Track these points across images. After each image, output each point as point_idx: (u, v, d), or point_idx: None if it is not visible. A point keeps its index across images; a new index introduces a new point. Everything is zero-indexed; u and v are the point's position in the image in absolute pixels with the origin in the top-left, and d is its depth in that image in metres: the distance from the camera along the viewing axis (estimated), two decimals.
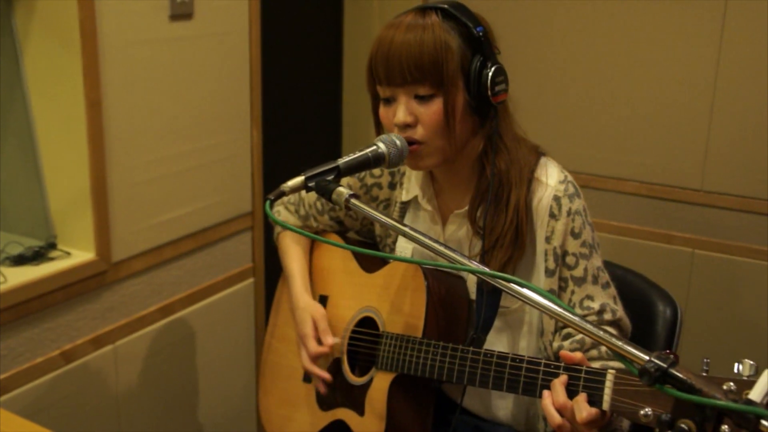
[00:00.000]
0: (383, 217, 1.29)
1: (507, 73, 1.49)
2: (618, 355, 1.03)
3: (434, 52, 1.42)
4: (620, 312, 1.54)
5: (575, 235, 1.52)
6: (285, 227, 1.34)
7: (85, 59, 1.87)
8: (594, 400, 1.25)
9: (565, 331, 1.52)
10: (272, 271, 2.45)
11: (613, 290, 1.56)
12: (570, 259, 1.52)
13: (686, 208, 2.79)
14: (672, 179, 2.79)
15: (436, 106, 1.45)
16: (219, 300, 2.42)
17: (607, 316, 1.51)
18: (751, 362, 1.00)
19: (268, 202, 1.31)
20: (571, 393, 1.28)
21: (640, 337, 1.72)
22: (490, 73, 1.45)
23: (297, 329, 1.76)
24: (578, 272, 1.51)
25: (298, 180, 1.34)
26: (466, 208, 1.58)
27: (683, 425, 0.96)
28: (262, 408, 1.93)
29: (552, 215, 1.52)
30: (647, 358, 0.99)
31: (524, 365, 1.38)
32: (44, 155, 2.00)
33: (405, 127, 1.47)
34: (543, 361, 1.36)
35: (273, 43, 2.68)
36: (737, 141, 2.65)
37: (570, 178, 1.56)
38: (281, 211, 1.90)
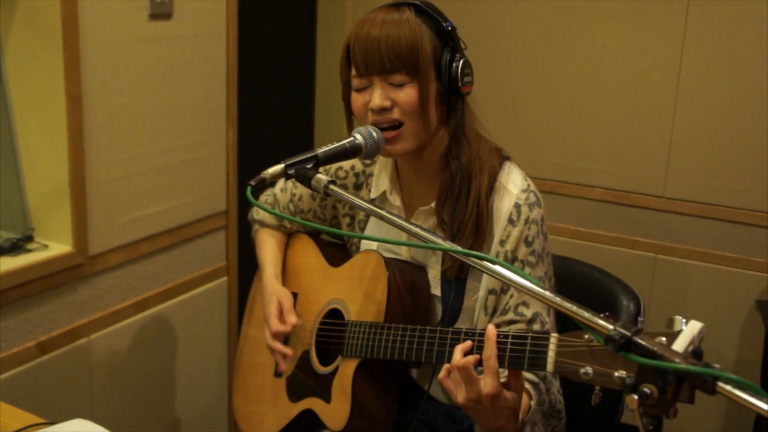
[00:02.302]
0: (360, 201, 1.35)
1: (472, 66, 1.57)
2: (585, 325, 1.09)
3: (411, 42, 1.50)
4: (549, 324, 1.59)
5: (528, 243, 1.58)
6: (263, 209, 1.39)
7: (66, 55, 1.91)
8: (538, 363, 1.30)
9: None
10: (246, 269, 2.49)
11: None
12: (517, 265, 1.57)
13: (649, 214, 2.86)
14: (635, 186, 2.86)
15: (410, 90, 1.52)
16: (193, 297, 2.45)
17: (536, 326, 1.56)
18: (682, 319, 1.07)
19: (249, 188, 1.35)
20: (517, 358, 1.33)
21: None
22: (460, 65, 1.53)
23: (264, 311, 1.81)
24: None
25: (278, 167, 1.39)
26: (431, 204, 1.64)
27: (646, 389, 1.01)
28: (236, 407, 1.96)
29: (510, 221, 1.58)
30: (612, 327, 1.05)
31: (461, 336, 1.43)
32: (23, 149, 2.02)
33: (381, 110, 1.52)
34: (478, 331, 1.41)
35: (248, 45, 2.73)
36: (698, 150, 2.73)
37: (533, 186, 1.63)
38: (259, 211, 1.95)
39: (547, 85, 2.93)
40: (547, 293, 1.14)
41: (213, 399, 2.62)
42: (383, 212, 1.32)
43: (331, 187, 1.36)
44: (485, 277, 1.60)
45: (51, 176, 2.00)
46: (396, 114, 1.53)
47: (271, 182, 1.43)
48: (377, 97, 1.52)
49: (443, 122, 1.60)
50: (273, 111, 3.08)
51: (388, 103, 1.52)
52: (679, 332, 1.06)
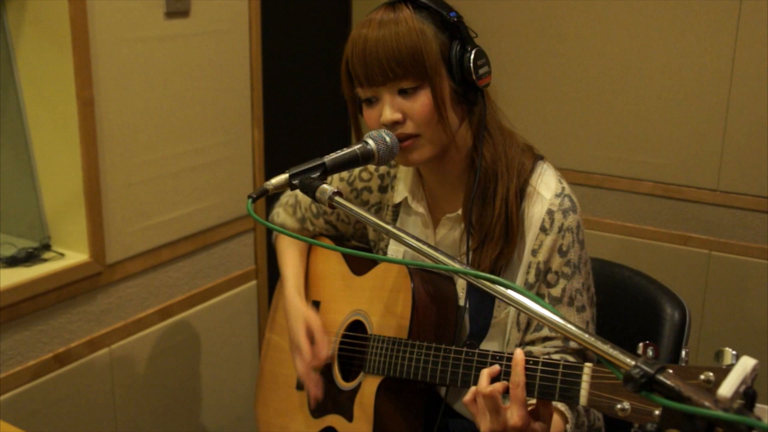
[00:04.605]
0: (366, 214, 1.25)
1: (487, 55, 1.45)
2: (604, 360, 0.97)
3: (411, 44, 1.38)
4: None
5: (562, 253, 1.46)
6: (263, 224, 1.31)
7: (76, 57, 1.84)
8: (571, 395, 1.20)
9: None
10: (275, 273, 2.41)
11: (587, 314, 1.49)
12: (551, 277, 1.46)
13: (702, 208, 2.71)
14: (688, 179, 2.72)
15: (423, 98, 1.40)
16: (220, 302, 2.38)
17: (573, 344, 1.45)
18: (733, 352, 0.96)
19: (249, 200, 1.27)
20: (548, 388, 1.23)
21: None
22: (472, 57, 1.41)
23: (290, 335, 1.72)
24: (556, 291, 1.46)
25: (282, 177, 1.30)
26: (458, 212, 1.54)
27: None
28: (259, 418, 1.90)
29: (543, 229, 1.46)
30: (633, 363, 0.93)
31: (488, 360, 1.33)
32: (38, 155, 1.97)
33: (394, 124, 1.42)
34: (506, 355, 1.31)
35: (276, 40, 2.64)
36: (753, 140, 2.57)
37: (567, 190, 1.50)
38: (280, 213, 1.86)
39: (594, 74, 2.79)
40: (558, 319, 1.03)
41: (242, 409, 2.54)
42: (390, 227, 1.22)
43: (337, 199, 1.26)
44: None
45: (66, 182, 1.94)
46: (410, 128, 1.41)
47: (276, 194, 1.33)
48: (387, 111, 1.41)
49: (464, 120, 1.48)
50: (304, 108, 2.98)
51: (399, 116, 1.41)
52: (729, 367, 0.94)
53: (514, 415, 1.22)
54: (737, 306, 2.69)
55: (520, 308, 1.06)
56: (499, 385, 1.25)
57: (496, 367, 1.29)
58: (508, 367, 1.27)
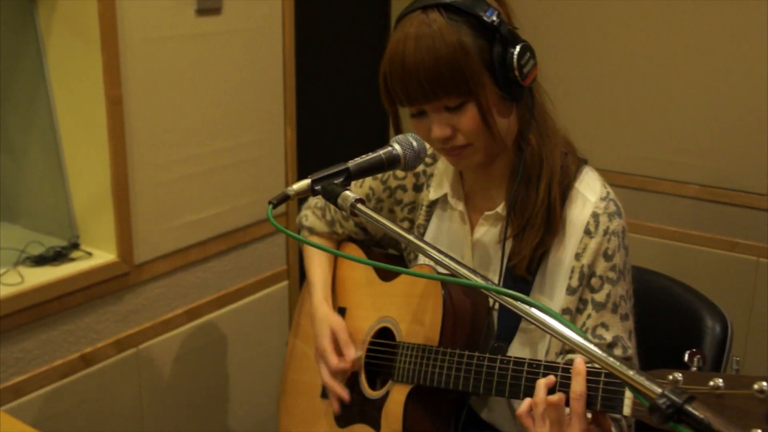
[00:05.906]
0: (389, 223, 1.20)
1: (533, 47, 1.38)
2: (630, 387, 0.91)
3: (451, 62, 1.31)
4: (632, 350, 1.42)
5: (607, 257, 1.40)
6: (283, 232, 1.27)
7: (105, 55, 1.82)
8: (613, 405, 1.15)
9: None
10: None
11: (630, 323, 1.44)
12: (595, 282, 1.40)
13: (750, 213, 2.62)
14: (735, 183, 2.63)
15: (470, 111, 1.35)
16: (250, 303, 2.35)
17: (618, 351, 1.40)
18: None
19: (270, 206, 1.23)
20: (589, 398, 1.18)
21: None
22: (515, 57, 1.34)
23: (315, 342, 1.68)
24: (600, 297, 1.40)
25: (305, 183, 1.26)
26: (497, 209, 1.49)
27: None
28: (282, 427, 1.87)
29: (587, 232, 1.41)
30: (660, 391, 0.87)
31: (541, 370, 1.28)
32: (67, 153, 1.96)
33: (445, 140, 1.38)
34: (561, 365, 1.25)
35: (309, 37, 2.60)
36: None
37: (612, 195, 1.45)
38: (308, 215, 1.82)
39: (638, 74, 2.71)
40: (585, 342, 0.97)
41: (271, 412, 2.51)
42: (410, 237, 1.17)
43: (359, 206, 1.21)
44: (557, 293, 1.44)
45: (94, 182, 1.93)
46: (461, 140, 1.38)
47: (301, 199, 1.29)
48: (436, 129, 1.37)
49: (512, 115, 1.43)
50: (340, 107, 2.94)
51: (449, 132, 1.37)
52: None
53: (575, 429, 1.17)
54: None
55: (544, 327, 1.00)
56: (561, 396, 1.20)
57: (552, 378, 1.23)
58: (564, 378, 1.23)
